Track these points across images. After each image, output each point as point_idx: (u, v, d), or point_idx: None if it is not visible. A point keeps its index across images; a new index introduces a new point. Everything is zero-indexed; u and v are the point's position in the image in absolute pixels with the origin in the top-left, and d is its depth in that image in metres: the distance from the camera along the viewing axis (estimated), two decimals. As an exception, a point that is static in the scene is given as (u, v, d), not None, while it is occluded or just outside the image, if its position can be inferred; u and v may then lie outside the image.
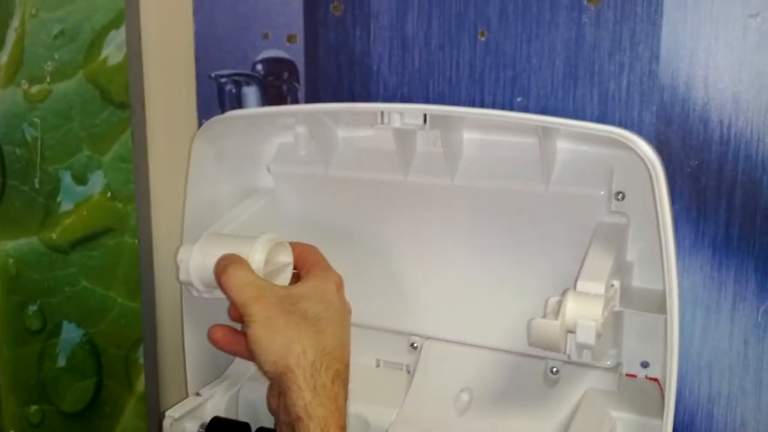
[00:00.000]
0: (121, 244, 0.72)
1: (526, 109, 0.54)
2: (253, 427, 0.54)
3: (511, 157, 0.53)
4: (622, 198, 0.51)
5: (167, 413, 0.54)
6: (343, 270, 0.59)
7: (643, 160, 0.44)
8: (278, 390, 0.45)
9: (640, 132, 0.50)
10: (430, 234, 0.57)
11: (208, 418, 0.55)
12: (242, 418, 0.55)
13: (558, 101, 0.53)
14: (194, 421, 0.55)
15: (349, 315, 0.49)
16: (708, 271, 0.51)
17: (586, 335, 0.42)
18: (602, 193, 0.51)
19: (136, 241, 0.71)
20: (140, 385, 0.73)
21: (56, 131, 0.72)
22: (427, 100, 0.57)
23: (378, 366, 0.59)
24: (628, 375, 0.53)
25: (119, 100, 0.69)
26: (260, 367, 0.46)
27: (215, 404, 0.56)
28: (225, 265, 0.49)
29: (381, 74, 0.58)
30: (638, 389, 0.51)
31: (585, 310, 0.43)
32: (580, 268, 0.46)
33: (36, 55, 0.70)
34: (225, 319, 0.62)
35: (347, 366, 0.46)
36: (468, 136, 0.55)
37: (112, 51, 0.68)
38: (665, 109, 0.50)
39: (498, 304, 0.54)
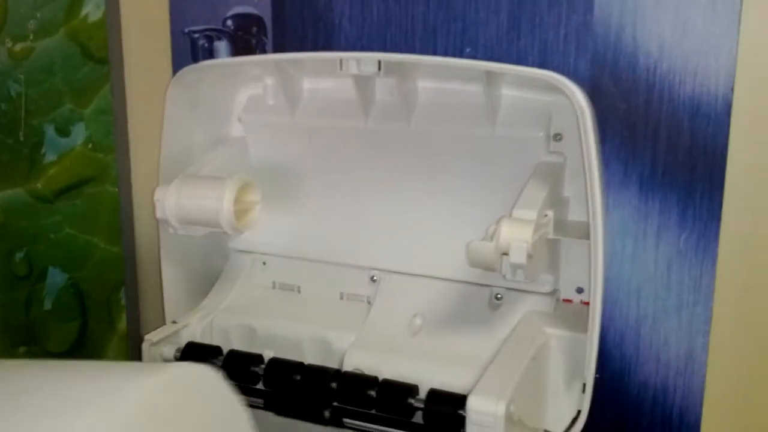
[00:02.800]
0: (102, 193, 0.76)
1: (474, 59, 0.58)
2: (224, 351, 0.59)
3: (461, 103, 0.58)
4: (560, 139, 0.56)
5: (146, 337, 0.58)
6: (308, 210, 0.64)
7: (570, 100, 0.49)
8: None
9: (576, 78, 0.55)
10: (388, 176, 0.61)
11: (183, 344, 0.60)
12: (215, 343, 0.60)
13: (503, 51, 0.58)
14: (170, 346, 0.59)
15: None
16: (636, 204, 0.56)
17: (518, 255, 0.48)
18: (541, 134, 0.56)
19: (117, 189, 0.75)
20: (122, 325, 0.78)
21: (39, 86, 0.75)
22: (384, 51, 0.61)
23: (341, 299, 0.64)
24: (564, 300, 0.58)
25: (99, 55, 0.73)
26: None
27: (190, 331, 0.61)
28: None
29: (342, 27, 0.62)
30: (572, 311, 0.56)
31: (517, 234, 0.48)
32: (517, 198, 0.51)
33: (19, 14, 0.74)
34: (198, 254, 0.67)
35: None
36: (422, 84, 0.59)
37: (92, 9, 0.72)
38: (598, 57, 0.55)
39: (449, 238, 0.58)
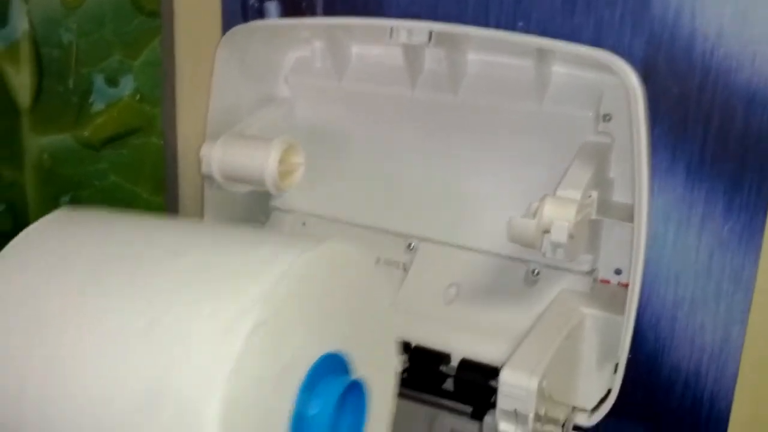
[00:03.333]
0: (147, 144, 0.77)
1: (527, 32, 0.58)
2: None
3: (510, 77, 0.58)
4: (609, 119, 0.55)
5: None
6: (351, 174, 0.65)
7: (623, 81, 0.48)
8: None
9: (630, 59, 0.55)
10: (432, 146, 0.62)
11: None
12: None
13: (556, 27, 0.57)
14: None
15: None
16: (681, 192, 0.55)
17: (559, 234, 0.48)
18: (590, 114, 0.55)
19: (162, 142, 0.77)
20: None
21: (90, 36, 0.76)
22: (435, 20, 0.61)
23: (377, 263, 0.65)
24: (602, 280, 0.58)
25: (150, 9, 0.73)
26: None
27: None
28: None
29: (395, -6, 0.62)
30: (609, 292, 0.56)
31: (560, 212, 0.48)
32: (562, 177, 0.51)
33: (72, -38, 0.75)
34: (240, 210, 0.68)
35: None
36: (472, 56, 0.59)
37: (145, -39, 0.73)
38: (654, 38, 0.54)
39: (489, 211, 0.59)
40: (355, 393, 0.39)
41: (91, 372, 0.35)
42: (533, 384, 0.46)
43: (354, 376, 0.40)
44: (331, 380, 0.38)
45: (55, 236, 0.42)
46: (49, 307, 0.37)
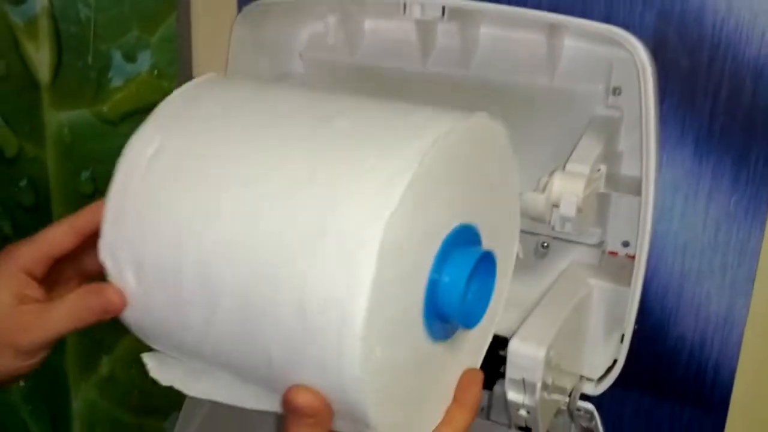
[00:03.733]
0: (165, 119, 0.79)
1: (538, 7, 0.58)
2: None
3: (521, 52, 0.58)
4: (619, 93, 0.56)
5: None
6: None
7: (633, 56, 0.49)
8: None
9: (640, 33, 0.55)
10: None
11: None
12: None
13: (568, 1, 0.58)
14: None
15: None
16: (689, 165, 0.56)
17: (568, 208, 0.49)
18: (600, 87, 0.56)
19: (179, 116, 0.78)
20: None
21: (108, 12, 0.77)
22: (447, -5, 0.61)
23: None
24: (610, 252, 0.59)
25: (166, -16, 0.75)
26: None
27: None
28: (310, 421, 0.38)
29: (408, -31, 0.63)
30: (617, 264, 0.58)
31: (569, 187, 0.49)
32: (571, 151, 0.52)
33: (90, -62, 0.76)
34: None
35: None
36: (484, 30, 0.60)
37: (161, -63, 0.74)
38: (665, 10, 0.55)
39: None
40: (484, 263, 0.41)
41: (257, 211, 0.38)
42: (541, 354, 0.47)
43: (484, 248, 0.42)
44: (465, 250, 0.40)
45: (210, 97, 0.45)
46: (214, 162, 0.41)
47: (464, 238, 0.41)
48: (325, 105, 0.43)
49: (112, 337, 0.87)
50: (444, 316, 0.40)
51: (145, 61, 0.78)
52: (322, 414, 0.37)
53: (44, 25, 0.79)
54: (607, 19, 0.56)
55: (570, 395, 0.56)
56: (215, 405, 0.63)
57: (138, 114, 0.79)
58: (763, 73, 0.52)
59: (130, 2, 0.76)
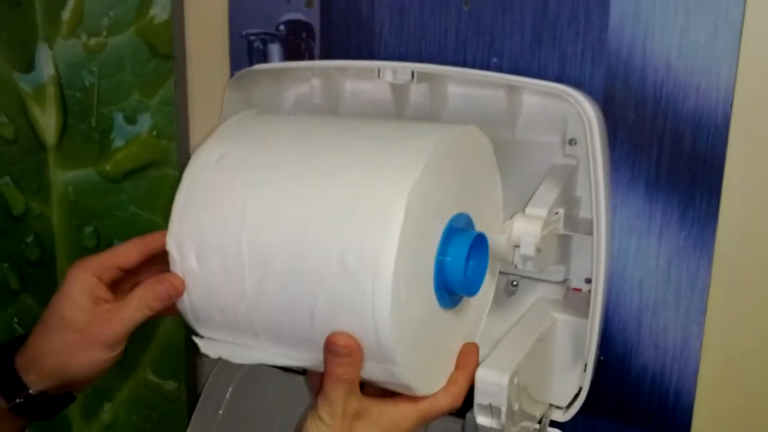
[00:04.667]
0: (164, 176, 0.84)
1: (500, 69, 0.65)
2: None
3: (486, 108, 0.64)
4: (574, 143, 0.62)
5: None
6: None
7: (580, 111, 0.55)
8: None
9: (590, 89, 0.61)
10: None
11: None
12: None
13: (526, 62, 0.64)
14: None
15: None
16: (641, 205, 0.61)
17: (527, 248, 0.54)
18: (557, 139, 0.62)
19: (177, 173, 0.83)
20: (178, 295, 0.86)
21: (110, 78, 0.83)
22: (419, 59, 0.68)
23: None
24: (574, 289, 0.64)
25: (164, 52, 0.81)
26: None
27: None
28: (347, 361, 0.48)
29: (382, 36, 0.69)
30: (580, 299, 0.62)
31: (528, 229, 0.54)
32: (530, 197, 0.57)
33: (94, 12, 0.81)
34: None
35: None
36: (452, 90, 0.66)
37: (159, 11, 0.79)
38: (611, 71, 0.61)
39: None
40: (479, 243, 0.52)
41: (304, 191, 0.49)
42: (505, 380, 0.52)
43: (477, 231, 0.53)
44: (463, 234, 0.51)
45: (257, 122, 0.58)
46: (268, 162, 0.52)
47: (461, 223, 0.52)
48: (350, 120, 0.58)
49: (114, 384, 0.91)
50: (450, 289, 0.51)
51: (145, 122, 0.83)
52: (356, 354, 0.47)
53: (51, 92, 0.85)
54: (561, 78, 0.62)
55: (540, 422, 0.60)
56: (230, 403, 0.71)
57: (139, 171, 0.85)
58: (701, 123, 0.58)
59: (131, 69, 0.82)
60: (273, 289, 0.48)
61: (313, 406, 0.50)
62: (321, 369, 0.49)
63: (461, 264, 0.50)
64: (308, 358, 0.50)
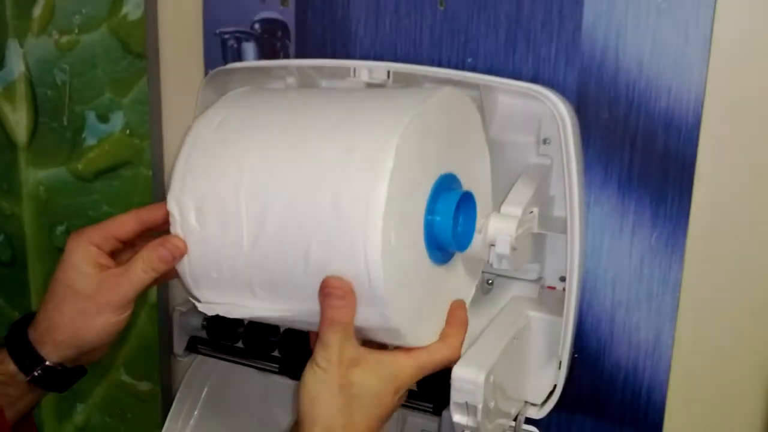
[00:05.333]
0: (137, 175, 0.83)
1: (474, 69, 0.65)
2: (246, 321, 0.66)
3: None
4: (548, 143, 0.62)
5: (176, 308, 0.66)
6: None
7: (553, 111, 0.55)
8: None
9: (564, 90, 0.62)
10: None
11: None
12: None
13: (500, 63, 0.64)
14: (198, 316, 0.67)
15: (389, 415, 0.53)
16: (614, 204, 0.62)
17: (503, 247, 0.54)
18: (532, 139, 0.62)
19: (150, 172, 0.83)
20: (153, 296, 0.85)
21: (82, 76, 0.82)
22: (394, 59, 0.68)
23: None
24: (548, 287, 0.65)
25: (137, 51, 0.80)
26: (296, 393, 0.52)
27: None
28: (341, 303, 0.49)
29: (358, 35, 0.69)
30: (554, 297, 0.63)
31: (503, 228, 0.55)
32: (505, 196, 0.58)
33: (66, 9, 0.81)
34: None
35: None
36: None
37: (132, 8, 0.79)
38: (585, 71, 0.61)
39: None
40: (466, 201, 0.54)
41: (301, 144, 0.51)
42: (481, 378, 0.52)
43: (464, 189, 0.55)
44: (449, 193, 0.53)
45: (256, 93, 0.61)
46: (268, 120, 0.55)
47: (448, 184, 0.54)
48: (344, 87, 0.60)
49: (87, 386, 0.90)
50: (441, 247, 0.53)
51: (117, 121, 0.82)
52: (349, 296, 0.48)
53: (22, 90, 0.84)
54: (535, 78, 0.63)
55: (515, 419, 0.61)
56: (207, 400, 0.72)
57: (111, 171, 0.84)
58: (672, 123, 0.59)
59: (103, 67, 0.81)
60: (269, 237, 0.50)
61: (311, 358, 0.51)
62: (316, 323, 0.51)
63: (449, 222, 0.52)
64: (304, 310, 0.52)
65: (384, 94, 0.57)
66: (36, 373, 0.55)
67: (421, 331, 0.53)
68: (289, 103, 0.57)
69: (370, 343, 0.53)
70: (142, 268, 0.54)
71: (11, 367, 0.55)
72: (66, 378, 0.57)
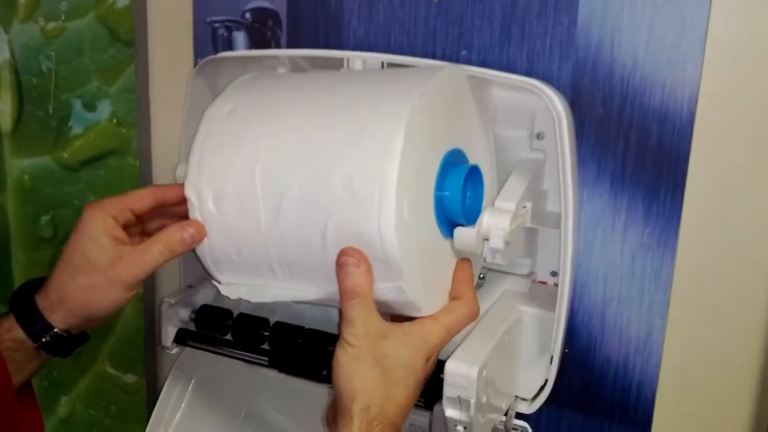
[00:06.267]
0: (124, 165, 0.82)
1: (468, 62, 0.64)
2: (235, 314, 0.66)
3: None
4: (542, 138, 0.62)
5: (165, 299, 0.65)
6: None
7: (548, 106, 0.55)
8: (334, 413, 0.51)
9: (558, 84, 0.62)
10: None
11: (198, 306, 0.67)
12: (227, 307, 0.67)
13: (495, 56, 0.64)
14: (186, 307, 0.66)
15: (424, 383, 0.54)
16: (606, 200, 0.62)
17: (497, 241, 0.54)
18: (525, 133, 0.62)
19: (137, 162, 0.82)
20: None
21: (69, 64, 0.81)
22: (388, 50, 0.67)
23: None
24: (540, 282, 0.65)
25: (125, 38, 0.79)
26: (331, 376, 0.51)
27: (205, 295, 0.68)
28: (356, 271, 0.50)
29: (351, 25, 0.68)
30: (546, 292, 0.63)
31: (497, 222, 0.54)
32: (499, 191, 0.58)
33: (52, -5, 0.80)
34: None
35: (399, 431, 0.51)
36: (421, 82, 0.65)
37: (120, -5, 0.78)
38: (579, 66, 0.61)
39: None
40: (473, 174, 0.55)
41: (312, 127, 0.52)
42: (473, 373, 0.52)
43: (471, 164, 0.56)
44: (457, 168, 0.54)
45: (263, 78, 0.62)
46: (278, 105, 0.56)
47: (455, 159, 0.55)
48: (350, 71, 0.62)
49: (70, 378, 0.89)
50: (451, 220, 0.54)
51: (104, 109, 0.81)
52: (364, 262, 0.49)
53: (6, 77, 0.83)
54: (529, 72, 0.62)
55: (506, 414, 0.61)
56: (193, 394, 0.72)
57: (98, 160, 0.83)
58: (666, 119, 0.59)
59: (90, 55, 0.80)
60: (286, 219, 0.52)
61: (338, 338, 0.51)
62: (336, 303, 0.52)
63: (458, 196, 0.53)
64: (323, 290, 0.53)
65: (388, 75, 0.58)
66: (44, 340, 0.56)
67: (433, 302, 0.54)
68: (296, 88, 0.58)
69: (387, 317, 0.53)
70: (160, 250, 0.55)
71: (19, 333, 0.56)
72: (71, 343, 0.58)
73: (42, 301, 0.56)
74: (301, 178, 0.51)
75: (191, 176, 0.55)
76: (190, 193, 0.55)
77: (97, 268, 0.55)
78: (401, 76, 0.55)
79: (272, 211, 0.52)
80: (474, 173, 0.55)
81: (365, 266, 0.49)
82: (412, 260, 0.50)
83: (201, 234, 0.55)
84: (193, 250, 0.56)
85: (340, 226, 0.50)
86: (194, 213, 0.55)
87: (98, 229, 0.55)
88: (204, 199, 0.55)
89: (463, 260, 0.57)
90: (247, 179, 0.53)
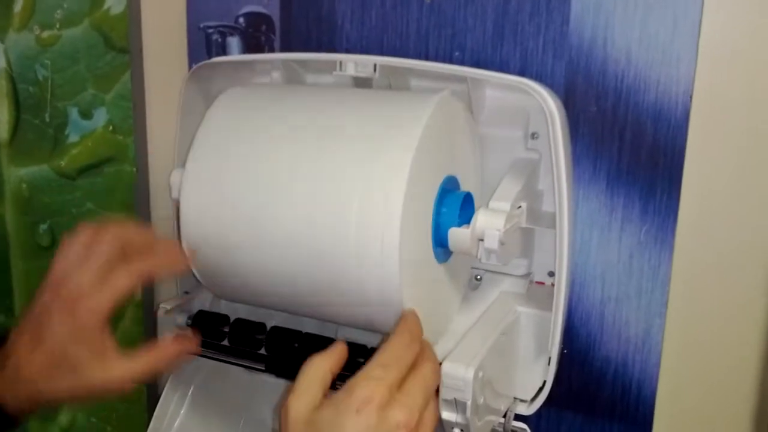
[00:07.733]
0: (120, 172, 0.82)
1: (462, 63, 0.64)
2: (231, 319, 0.66)
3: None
4: (536, 137, 0.62)
5: (161, 305, 0.65)
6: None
7: (541, 105, 0.55)
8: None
9: (551, 83, 0.61)
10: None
11: (194, 311, 0.66)
12: (223, 312, 0.67)
13: (488, 56, 0.64)
14: (183, 313, 0.66)
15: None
16: (602, 199, 0.62)
17: (491, 242, 0.54)
18: (520, 133, 0.62)
19: (134, 169, 0.82)
20: (137, 295, 0.84)
21: (65, 72, 0.81)
22: (381, 52, 0.67)
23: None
24: (537, 282, 0.64)
25: (120, 45, 0.79)
26: None
27: (201, 301, 0.68)
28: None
29: (344, 29, 0.68)
30: (543, 293, 0.62)
31: (492, 222, 0.54)
32: (493, 191, 0.57)
33: (47, 4, 0.80)
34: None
35: None
36: (414, 83, 0.65)
37: (114, 2, 0.78)
38: (573, 64, 0.61)
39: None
40: (467, 201, 0.57)
41: (309, 159, 0.55)
42: (470, 374, 0.51)
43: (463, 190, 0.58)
44: (453, 195, 0.56)
45: (244, 100, 0.63)
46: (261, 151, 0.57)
47: (450, 186, 0.57)
48: (344, 88, 0.63)
49: (71, 386, 0.88)
50: (445, 244, 0.56)
51: (100, 117, 0.81)
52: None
53: (3, 86, 0.83)
54: (522, 72, 0.62)
55: (505, 416, 0.60)
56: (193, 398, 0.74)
57: (95, 168, 0.83)
58: (661, 116, 0.59)
59: (85, 63, 0.80)
60: (290, 261, 0.55)
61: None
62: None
63: (455, 223, 0.55)
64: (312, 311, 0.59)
65: (386, 97, 0.59)
66: None
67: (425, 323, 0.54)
68: (288, 111, 0.59)
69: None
70: (147, 363, 0.61)
71: None
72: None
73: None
74: (304, 216, 0.54)
75: (187, 231, 0.60)
76: (186, 245, 0.60)
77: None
78: (397, 103, 0.57)
79: (275, 252, 0.55)
80: (467, 200, 0.57)
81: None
82: (410, 287, 0.52)
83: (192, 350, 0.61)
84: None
85: (343, 276, 0.53)
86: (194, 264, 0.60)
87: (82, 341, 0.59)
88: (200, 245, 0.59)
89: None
90: (245, 222, 0.56)
